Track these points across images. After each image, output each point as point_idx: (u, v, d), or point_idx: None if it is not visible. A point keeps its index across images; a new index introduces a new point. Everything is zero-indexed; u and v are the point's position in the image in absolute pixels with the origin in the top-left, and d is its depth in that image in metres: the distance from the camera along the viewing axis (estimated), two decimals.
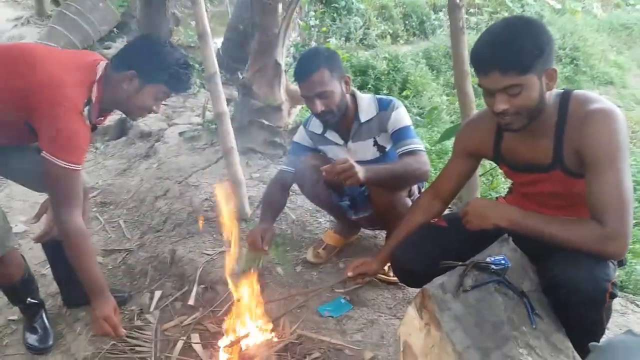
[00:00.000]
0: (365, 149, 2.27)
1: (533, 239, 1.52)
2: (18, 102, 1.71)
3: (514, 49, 1.40)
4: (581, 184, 1.49)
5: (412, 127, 2.22)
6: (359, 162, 2.16)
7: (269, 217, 2.26)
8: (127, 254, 2.71)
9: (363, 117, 2.24)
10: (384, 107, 2.23)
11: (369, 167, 1.97)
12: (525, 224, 1.53)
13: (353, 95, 2.27)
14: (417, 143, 2.17)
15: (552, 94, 1.51)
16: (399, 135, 2.19)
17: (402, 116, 2.21)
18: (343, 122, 2.25)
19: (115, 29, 7.67)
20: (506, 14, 9.88)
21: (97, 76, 1.84)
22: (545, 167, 1.58)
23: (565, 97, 1.53)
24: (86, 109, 1.80)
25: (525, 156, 1.62)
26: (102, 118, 2.02)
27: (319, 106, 2.11)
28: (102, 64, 1.88)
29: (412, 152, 2.13)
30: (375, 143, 2.26)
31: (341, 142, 2.31)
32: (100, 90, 1.85)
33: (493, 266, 1.54)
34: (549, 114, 1.52)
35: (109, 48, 6.72)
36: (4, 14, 10.02)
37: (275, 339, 1.95)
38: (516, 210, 1.57)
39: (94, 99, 1.83)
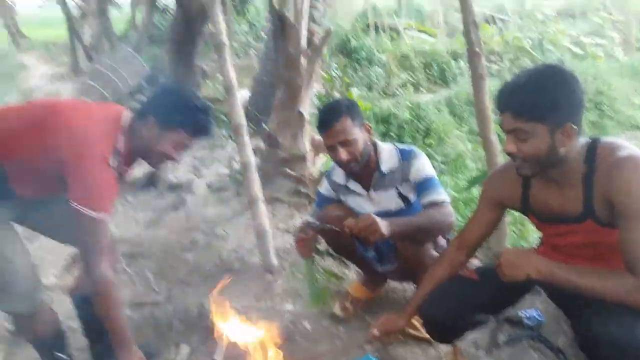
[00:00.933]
0: (388, 199, 2.27)
1: (566, 290, 1.49)
2: (49, 155, 1.78)
3: (529, 96, 1.42)
4: (612, 233, 1.46)
5: (436, 177, 2.22)
6: (383, 213, 2.16)
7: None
8: (154, 307, 2.71)
9: (384, 167, 2.25)
10: (405, 157, 2.24)
11: (392, 220, 1.96)
12: (558, 275, 1.49)
13: (374, 145, 2.29)
14: (442, 194, 2.16)
15: (578, 144, 1.51)
16: (423, 186, 2.19)
17: (424, 166, 2.22)
18: (365, 172, 2.27)
19: (144, 82, 7.98)
20: (527, 60, 9.96)
21: (123, 127, 1.90)
22: (577, 217, 1.55)
23: (592, 146, 1.52)
24: (113, 159, 1.85)
25: (554, 207, 1.60)
26: (129, 169, 2.07)
27: (343, 154, 2.14)
28: (127, 115, 1.94)
29: (436, 204, 2.12)
30: (399, 193, 2.26)
31: (363, 192, 2.32)
32: (126, 140, 1.90)
33: (526, 321, 1.51)
34: (575, 163, 1.51)
35: (138, 101, 6.97)
36: (41, 71, 10.57)
37: None
38: (548, 261, 1.54)
39: (120, 149, 1.88)
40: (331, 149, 2.18)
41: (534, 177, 1.60)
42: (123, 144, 1.89)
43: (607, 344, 1.36)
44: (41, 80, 9.58)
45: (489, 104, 2.65)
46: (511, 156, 1.51)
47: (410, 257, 2.17)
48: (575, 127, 1.44)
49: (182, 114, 1.89)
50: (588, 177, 1.50)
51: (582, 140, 1.52)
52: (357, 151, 2.15)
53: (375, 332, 1.88)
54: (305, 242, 2.15)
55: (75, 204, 1.75)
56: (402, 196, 2.27)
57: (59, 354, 2.11)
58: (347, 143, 2.13)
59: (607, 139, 1.54)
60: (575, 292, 1.45)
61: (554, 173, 1.53)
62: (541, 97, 1.41)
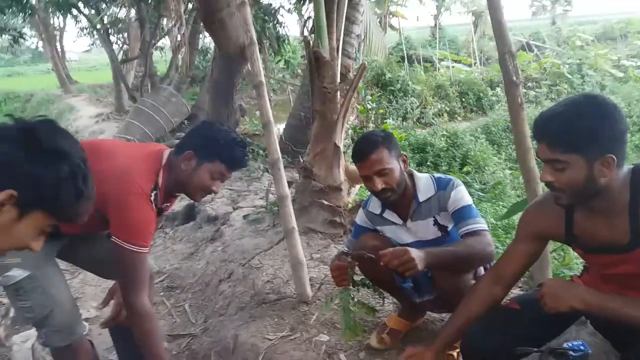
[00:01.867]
0: (426, 229, 2.24)
1: (614, 322, 1.41)
2: None
3: (566, 126, 1.38)
4: None
5: (473, 206, 2.18)
6: (421, 242, 2.15)
7: None
8: (191, 339, 2.73)
9: (421, 197, 2.23)
10: (442, 187, 2.22)
11: (429, 251, 1.92)
12: (605, 307, 1.43)
13: (411, 175, 2.28)
14: (480, 223, 2.11)
15: (621, 173, 1.45)
16: (461, 214, 2.15)
17: (462, 195, 2.18)
18: (402, 202, 2.25)
19: (186, 120, 8.24)
20: (566, 86, 9.79)
21: (163, 163, 1.96)
22: (624, 247, 1.48)
23: (636, 172, 1.46)
24: (153, 194, 1.90)
25: (600, 237, 1.53)
26: (169, 204, 2.12)
27: (379, 184, 2.13)
28: (167, 151, 2.01)
29: (475, 233, 2.07)
30: (436, 222, 2.22)
31: (400, 221, 2.29)
32: (165, 175, 1.96)
33: (571, 352, 1.43)
34: (619, 192, 1.45)
35: (179, 138, 7.18)
36: (88, 112, 11.08)
37: None
38: (594, 292, 1.48)
39: (160, 184, 1.94)
40: (367, 180, 2.17)
41: (574, 207, 1.55)
42: (162, 179, 1.95)
43: None
44: (88, 120, 10.05)
45: (528, 132, 2.60)
46: (548, 186, 1.48)
47: (449, 288, 2.11)
48: (615, 158, 1.38)
49: (218, 146, 1.95)
50: (633, 204, 1.44)
51: (626, 168, 1.46)
52: (393, 181, 2.14)
53: None
54: (341, 271, 2.12)
55: (116, 238, 1.81)
56: (439, 225, 2.23)
57: None
58: (383, 173, 2.12)
59: None
60: (624, 323, 1.38)
61: (597, 203, 1.48)
62: (578, 128, 1.37)
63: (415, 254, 1.83)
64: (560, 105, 1.45)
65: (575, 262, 3.00)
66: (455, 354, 2.11)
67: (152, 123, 7.99)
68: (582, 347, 1.44)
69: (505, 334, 1.60)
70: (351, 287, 2.15)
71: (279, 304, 2.86)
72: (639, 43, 13.49)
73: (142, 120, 8.00)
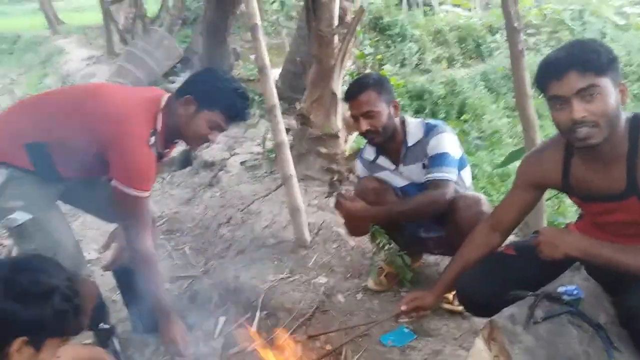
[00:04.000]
0: (417, 173, 2.30)
1: (607, 268, 1.45)
2: (89, 137, 1.84)
3: (590, 50, 1.39)
4: None
5: (450, 154, 2.20)
6: (414, 185, 2.29)
7: None
8: (192, 281, 2.79)
9: (410, 141, 2.28)
10: (427, 132, 2.26)
11: (379, 209, 2.24)
12: (598, 253, 1.47)
13: (402, 121, 2.32)
14: (446, 172, 2.16)
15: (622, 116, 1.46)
16: (432, 161, 2.21)
17: (440, 142, 2.21)
18: (393, 147, 2.31)
19: (178, 64, 8.06)
20: (566, 33, 9.61)
21: (161, 108, 1.94)
22: (619, 195, 1.50)
23: (635, 121, 1.47)
24: (152, 138, 1.89)
25: (596, 185, 1.55)
26: (169, 150, 2.12)
27: (364, 125, 2.20)
28: (166, 96, 1.98)
29: (434, 182, 2.16)
30: (425, 166, 2.26)
31: (392, 166, 2.36)
32: (164, 121, 1.94)
33: (565, 297, 1.48)
34: (619, 138, 1.46)
35: (172, 82, 7.06)
36: (78, 54, 10.78)
37: None
38: (589, 240, 1.52)
39: (159, 128, 1.93)
40: (355, 120, 2.26)
41: (572, 155, 1.55)
42: (161, 125, 1.93)
43: None
44: (78, 63, 9.79)
45: (528, 80, 2.58)
46: (579, 125, 1.39)
47: (468, 219, 2.07)
48: (625, 85, 1.43)
49: (220, 96, 1.92)
50: (631, 153, 1.45)
51: (624, 115, 1.46)
52: (379, 124, 2.20)
53: (404, 307, 1.89)
54: (355, 215, 2.27)
55: (117, 182, 1.82)
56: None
57: (103, 324, 2.21)
58: (369, 115, 2.19)
59: None
60: (617, 269, 1.43)
61: (597, 148, 1.48)
62: (601, 50, 1.39)
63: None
64: (568, 43, 1.47)
65: (570, 209, 3.05)
66: (450, 295, 2.19)
67: (144, 66, 7.80)
68: (575, 292, 1.49)
69: (501, 279, 1.65)
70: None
71: (278, 247, 2.92)
72: None
73: (134, 63, 7.81)
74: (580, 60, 1.37)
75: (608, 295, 1.55)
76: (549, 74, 1.43)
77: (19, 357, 1.18)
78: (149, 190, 1.90)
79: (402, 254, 2.38)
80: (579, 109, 1.37)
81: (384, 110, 2.20)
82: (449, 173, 2.16)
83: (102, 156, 1.85)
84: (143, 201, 1.88)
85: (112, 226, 2.40)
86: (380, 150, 2.37)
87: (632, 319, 1.40)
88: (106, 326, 2.21)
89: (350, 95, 2.24)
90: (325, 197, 3.45)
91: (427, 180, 2.19)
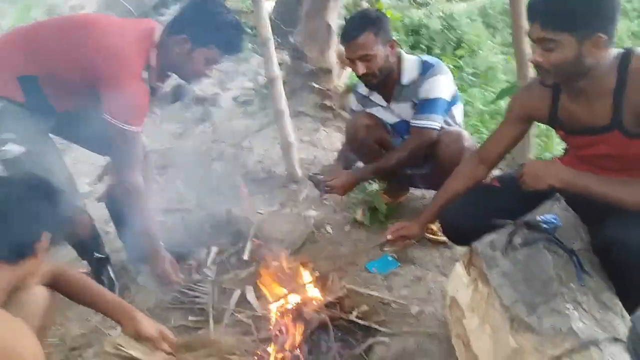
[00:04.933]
0: (407, 111, 2.29)
1: (586, 199, 1.50)
2: (82, 71, 1.82)
3: (559, 6, 1.39)
4: (639, 146, 1.44)
5: (441, 100, 2.19)
6: (405, 122, 2.27)
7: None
8: (185, 213, 2.84)
9: (405, 79, 2.24)
10: (423, 72, 2.22)
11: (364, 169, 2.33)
12: (580, 184, 1.50)
13: (399, 57, 2.27)
14: (432, 120, 2.17)
15: (609, 55, 1.45)
16: (421, 106, 2.21)
17: (434, 86, 2.18)
18: (386, 84, 2.27)
19: None
20: None
21: (154, 42, 1.91)
22: (603, 128, 1.53)
23: (625, 57, 1.46)
24: (145, 73, 1.88)
25: (582, 119, 1.57)
26: (162, 82, 2.10)
27: (361, 69, 2.16)
28: (159, 30, 1.94)
29: (418, 130, 2.19)
30: (415, 106, 2.25)
31: (384, 103, 2.35)
32: (158, 55, 1.92)
33: (544, 225, 1.53)
34: (606, 74, 1.46)
35: (162, 15, 6.84)
36: None
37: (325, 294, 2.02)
38: (572, 171, 1.55)
39: (152, 64, 1.91)
40: (351, 62, 2.20)
41: (560, 90, 1.57)
42: (155, 59, 1.91)
43: (619, 247, 1.39)
44: None
45: (525, 14, 2.53)
46: (537, 67, 1.50)
47: (450, 154, 2.15)
48: (605, 37, 1.39)
49: (215, 31, 1.89)
50: (618, 88, 1.46)
51: (615, 51, 1.46)
52: (375, 67, 2.15)
53: (389, 236, 1.95)
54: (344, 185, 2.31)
55: (110, 117, 1.82)
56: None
57: (98, 254, 2.27)
58: (366, 58, 2.14)
59: None
60: (596, 200, 1.47)
61: (583, 84, 1.49)
62: (570, 6, 1.37)
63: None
64: None
65: (557, 147, 3.08)
66: (435, 227, 2.25)
67: None
68: (553, 220, 1.54)
69: (484, 209, 1.69)
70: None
71: (269, 182, 2.96)
72: None
73: None
74: (544, 14, 1.42)
75: (585, 224, 1.61)
76: (527, 15, 1.49)
77: (42, 253, 1.36)
78: (140, 125, 1.90)
79: (378, 192, 2.53)
80: (536, 55, 1.47)
81: (380, 52, 2.14)
82: (434, 121, 2.17)
83: (95, 89, 1.84)
84: (134, 135, 1.89)
85: (104, 160, 2.41)
86: (369, 86, 2.34)
87: (606, 248, 1.45)
88: (100, 255, 2.28)
89: (347, 37, 2.15)
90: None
91: (412, 125, 2.21)
